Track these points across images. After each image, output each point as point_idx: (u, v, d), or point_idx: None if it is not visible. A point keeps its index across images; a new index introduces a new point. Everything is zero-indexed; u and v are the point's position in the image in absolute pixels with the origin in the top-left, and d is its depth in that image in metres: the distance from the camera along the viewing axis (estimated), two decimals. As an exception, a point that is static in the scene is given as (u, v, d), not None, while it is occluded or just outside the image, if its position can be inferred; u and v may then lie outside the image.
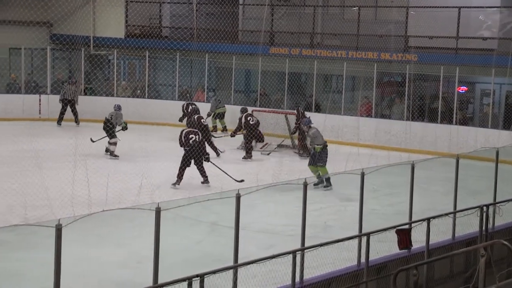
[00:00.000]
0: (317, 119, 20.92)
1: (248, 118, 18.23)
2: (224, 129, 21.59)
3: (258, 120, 18.44)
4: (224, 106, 21.86)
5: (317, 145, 14.65)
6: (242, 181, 14.64)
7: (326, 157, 14.66)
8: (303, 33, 24.56)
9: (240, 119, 18.40)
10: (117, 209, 10.06)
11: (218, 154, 17.52)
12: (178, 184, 14.27)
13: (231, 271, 7.86)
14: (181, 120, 20.90)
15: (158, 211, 7.13)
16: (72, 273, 7.14)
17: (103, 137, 17.54)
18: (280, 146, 19.65)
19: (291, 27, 24.76)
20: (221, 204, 8.88)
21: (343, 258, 9.31)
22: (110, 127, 17.33)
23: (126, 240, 10.50)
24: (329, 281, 8.90)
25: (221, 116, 21.73)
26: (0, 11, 23.68)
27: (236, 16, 26.48)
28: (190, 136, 14.48)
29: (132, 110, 23.30)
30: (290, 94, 22.77)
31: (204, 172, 14.53)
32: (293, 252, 8.32)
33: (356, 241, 9.39)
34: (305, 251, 8.68)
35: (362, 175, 9.66)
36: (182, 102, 21.40)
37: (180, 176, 14.29)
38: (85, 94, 24.05)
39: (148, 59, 24.07)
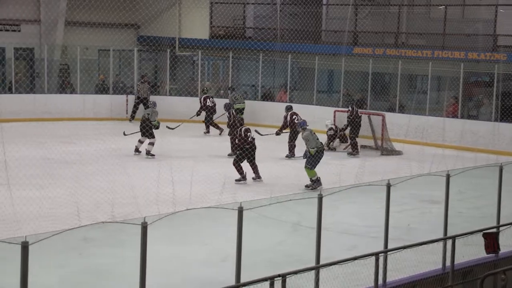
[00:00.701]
0: (401, 120, 20.75)
1: (293, 117, 17.91)
2: None
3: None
4: (244, 102, 21.58)
5: (311, 148, 14.18)
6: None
7: (318, 160, 14.21)
8: (387, 33, 24.25)
9: (285, 117, 18.12)
10: (201, 208, 10.20)
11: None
12: (245, 179, 14.56)
13: (313, 272, 7.83)
14: (198, 114, 20.97)
15: (240, 211, 7.17)
16: (157, 270, 7.26)
17: (135, 132, 17.63)
18: (363, 147, 19.50)
19: (375, 26, 24.50)
20: (303, 204, 8.88)
21: (427, 261, 9.15)
22: (149, 126, 17.22)
23: (209, 238, 10.60)
24: (413, 284, 8.75)
25: (240, 112, 20.79)
26: (90, 14, 24.33)
27: (319, 16, 26.38)
28: (248, 134, 14.86)
29: (216, 110, 23.55)
30: (374, 94, 22.53)
31: (257, 168, 14.81)
32: (376, 254, 8.22)
33: (440, 244, 9.21)
34: (388, 253, 8.57)
35: (448, 177, 9.47)
36: (264, 102, 21.43)
37: (242, 171, 14.60)
38: (170, 94, 24.46)
39: (231, 60, 24.28)
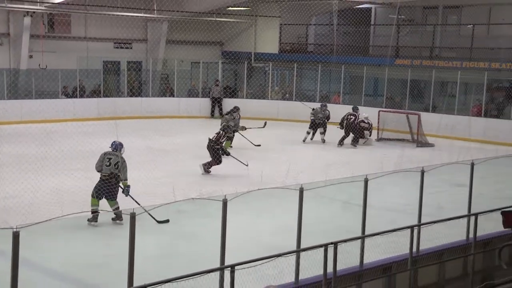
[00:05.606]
0: (434, 118, 20.31)
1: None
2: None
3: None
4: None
5: None
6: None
7: None
8: (424, 47, 23.81)
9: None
10: (270, 188, 10.18)
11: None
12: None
13: (359, 241, 7.77)
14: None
15: (301, 191, 7.16)
16: (235, 237, 7.30)
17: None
18: (401, 140, 19.19)
19: (413, 42, 24.10)
20: (352, 186, 8.79)
21: (454, 234, 8.94)
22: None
23: (276, 212, 10.62)
24: (441, 252, 8.59)
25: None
26: (185, 34, 24.65)
27: (368, 34, 26.15)
28: None
29: (283, 110, 23.61)
30: (411, 97, 22.10)
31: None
32: (411, 227, 8.09)
33: (465, 219, 8.98)
34: (421, 226, 8.41)
35: (472, 165, 9.22)
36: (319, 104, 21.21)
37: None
38: (247, 97, 24.58)
39: (296, 70, 24.21)
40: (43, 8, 20.67)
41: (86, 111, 21.21)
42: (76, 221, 9.07)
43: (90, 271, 7.82)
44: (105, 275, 7.68)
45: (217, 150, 13.48)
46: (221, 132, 13.95)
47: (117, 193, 9.75)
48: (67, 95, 21.85)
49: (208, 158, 13.71)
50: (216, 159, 13.45)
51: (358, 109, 18.63)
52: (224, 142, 14.24)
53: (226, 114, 17.24)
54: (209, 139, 13.68)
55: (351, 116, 18.06)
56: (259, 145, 15.76)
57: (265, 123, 16.65)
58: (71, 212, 8.52)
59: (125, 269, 5.84)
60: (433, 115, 20.69)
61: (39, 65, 21.35)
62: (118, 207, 9.56)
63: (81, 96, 21.95)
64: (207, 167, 13.47)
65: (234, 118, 16.31)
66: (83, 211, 7.11)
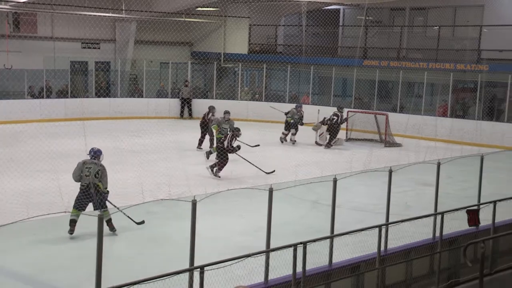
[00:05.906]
0: (401, 118, 20.55)
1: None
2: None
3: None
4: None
5: None
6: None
7: None
8: (391, 48, 24.08)
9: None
10: (239, 189, 10.21)
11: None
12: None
13: (328, 240, 7.81)
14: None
15: (271, 191, 7.15)
16: (204, 237, 7.31)
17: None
18: (370, 140, 19.36)
19: (381, 43, 24.34)
20: (321, 186, 8.83)
21: (420, 232, 9.05)
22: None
23: (246, 213, 10.62)
24: (409, 251, 8.67)
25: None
26: (154, 34, 24.50)
27: (336, 35, 26.32)
28: None
29: (252, 111, 23.60)
30: (379, 98, 22.34)
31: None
32: (379, 226, 8.16)
33: (432, 218, 9.10)
34: (389, 225, 8.49)
35: (438, 164, 9.34)
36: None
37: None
38: (216, 98, 24.52)
39: (265, 70, 24.26)
40: (8, 7, 20.31)
41: (53, 111, 20.90)
42: (42, 223, 8.92)
43: (56, 274, 7.70)
44: (72, 277, 7.58)
45: (222, 150, 13.28)
46: (228, 133, 13.72)
47: (105, 201, 9.07)
48: (33, 96, 21.50)
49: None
50: (223, 160, 13.24)
51: (342, 109, 18.63)
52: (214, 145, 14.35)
53: (226, 115, 16.12)
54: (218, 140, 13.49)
55: (334, 117, 18.18)
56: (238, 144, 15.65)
57: (258, 145, 16.34)
58: (37, 214, 8.37)
59: (93, 271, 5.76)
60: (401, 115, 20.95)
61: (4, 65, 20.95)
62: (111, 219, 8.92)
63: (48, 97, 21.62)
64: (216, 171, 13.16)
65: (227, 120, 15.85)
66: (49, 213, 6.98)
